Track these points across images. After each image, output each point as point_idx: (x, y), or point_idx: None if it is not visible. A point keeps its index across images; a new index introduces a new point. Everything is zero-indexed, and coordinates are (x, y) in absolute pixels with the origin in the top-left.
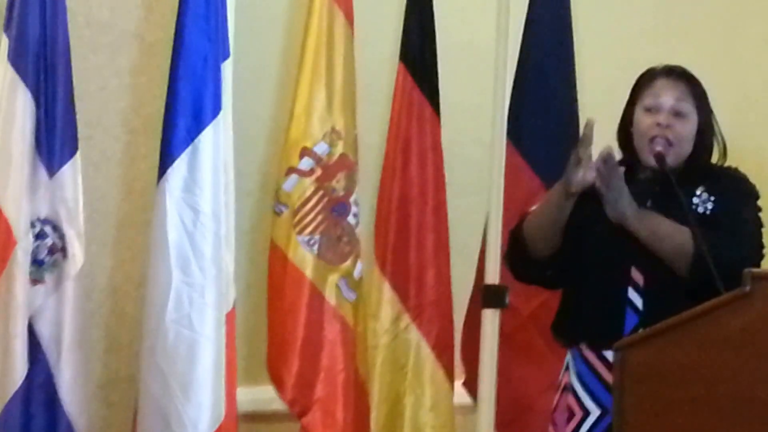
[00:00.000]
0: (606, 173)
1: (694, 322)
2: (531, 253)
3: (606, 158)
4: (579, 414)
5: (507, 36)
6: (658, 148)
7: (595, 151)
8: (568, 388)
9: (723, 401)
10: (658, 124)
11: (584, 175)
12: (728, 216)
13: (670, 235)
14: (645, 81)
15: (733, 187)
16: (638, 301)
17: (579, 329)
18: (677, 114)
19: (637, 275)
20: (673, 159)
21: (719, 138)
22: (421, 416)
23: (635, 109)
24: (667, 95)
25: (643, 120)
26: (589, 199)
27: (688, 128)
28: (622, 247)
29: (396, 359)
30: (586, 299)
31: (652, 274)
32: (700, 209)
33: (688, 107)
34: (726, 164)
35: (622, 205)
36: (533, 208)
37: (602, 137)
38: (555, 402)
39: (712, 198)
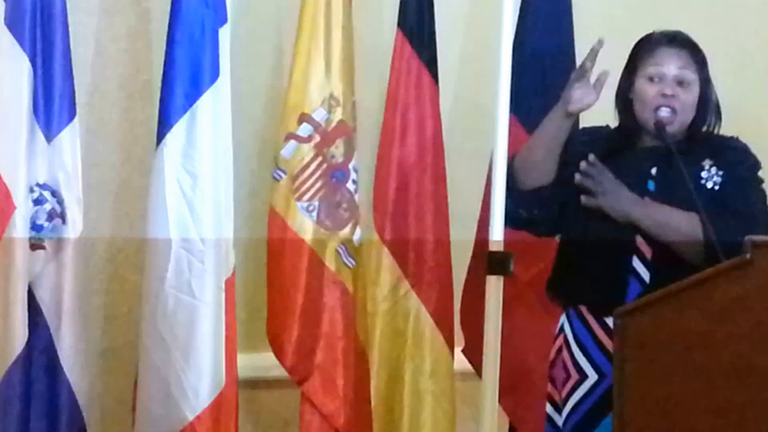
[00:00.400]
0: (595, 176)
1: (695, 289)
2: (520, 183)
3: (592, 162)
4: (575, 377)
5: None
6: (662, 115)
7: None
8: (563, 348)
9: (723, 368)
10: (663, 94)
11: (583, 94)
12: (738, 197)
13: (677, 225)
14: (645, 49)
15: (739, 161)
16: (644, 273)
17: (579, 291)
18: (680, 82)
19: (644, 246)
20: (677, 128)
21: (716, 105)
22: (421, 382)
23: (636, 77)
24: (670, 64)
25: (646, 89)
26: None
27: (691, 96)
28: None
29: (395, 325)
30: (588, 261)
31: (660, 247)
32: (709, 184)
33: (691, 75)
34: (720, 131)
35: (624, 203)
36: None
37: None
38: (552, 357)
39: (720, 173)
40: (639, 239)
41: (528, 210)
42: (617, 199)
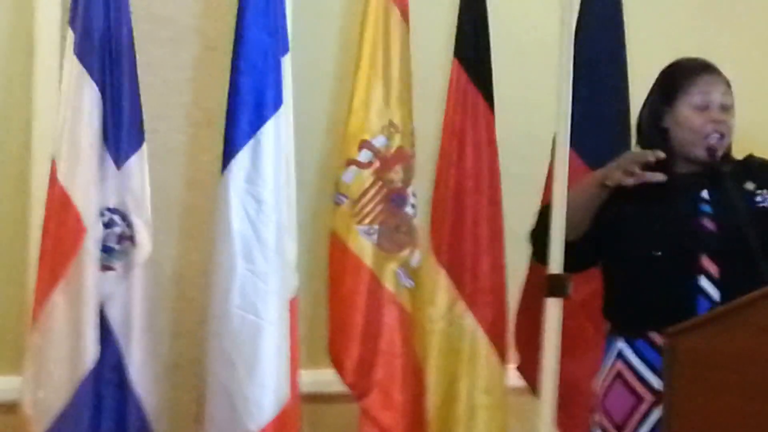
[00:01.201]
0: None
1: (743, 310)
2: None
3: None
4: (650, 398)
5: (571, 32)
6: (713, 142)
7: None
8: (624, 377)
9: None
10: (715, 121)
11: (622, 177)
12: None
13: None
14: (684, 78)
15: None
16: (713, 291)
17: (648, 318)
18: (724, 108)
19: (709, 264)
20: (722, 151)
21: None
22: (475, 397)
23: (677, 105)
24: (716, 91)
25: (694, 118)
26: (633, 198)
27: (733, 120)
28: (690, 236)
29: (451, 344)
30: (655, 289)
31: (726, 264)
32: (761, 205)
33: (732, 100)
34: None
35: None
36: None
37: None
38: (604, 390)
39: (765, 191)
40: (704, 258)
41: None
42: None
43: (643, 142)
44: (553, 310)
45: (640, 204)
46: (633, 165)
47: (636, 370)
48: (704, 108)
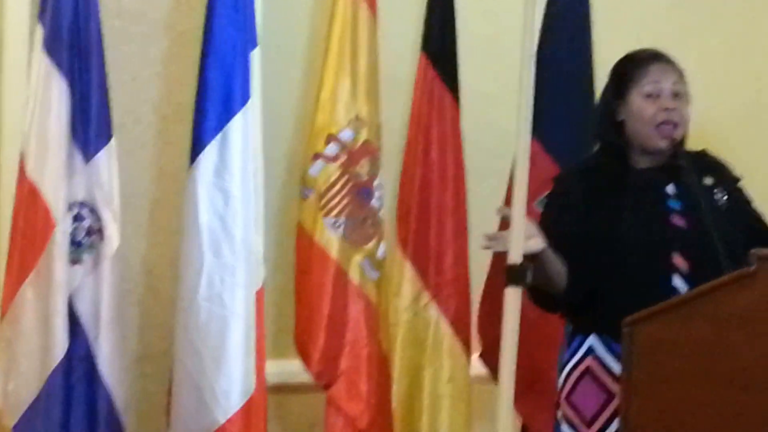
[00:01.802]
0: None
1: (702, 299)
2: (546, 294)
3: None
4: None
5: (534, 27)
6: (667, 132)
7: None
8: (595, 374)
9: (727, 375)
10: (665, 109)
11: (503, 246)
12: (746, 215)
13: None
14: (634, 68)
15: (734, 179)
16: (685, 289)
17: (622, 317)
18: (676, 95)
19: (681, 262)
20: (678, 136)
21: None
22: (439, 387)
23: (629, 97)
24: (666, 79)
25: (646, 107)
26: (600, 194)
27: (687, 108)
28: (663, 234)
29: (416, 334)
30: (629, 289)
31: (695, 259)
32: (720, 203)
33: (684, 88)
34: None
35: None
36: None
37: None
38: (571, 385)
39: (723, 190)
40: (676, 255)
41: (563, 303)
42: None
43: (600, 137)
44: (512, 298)
45: (609, 203)
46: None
47: (608, 367)
48: (655, 96)
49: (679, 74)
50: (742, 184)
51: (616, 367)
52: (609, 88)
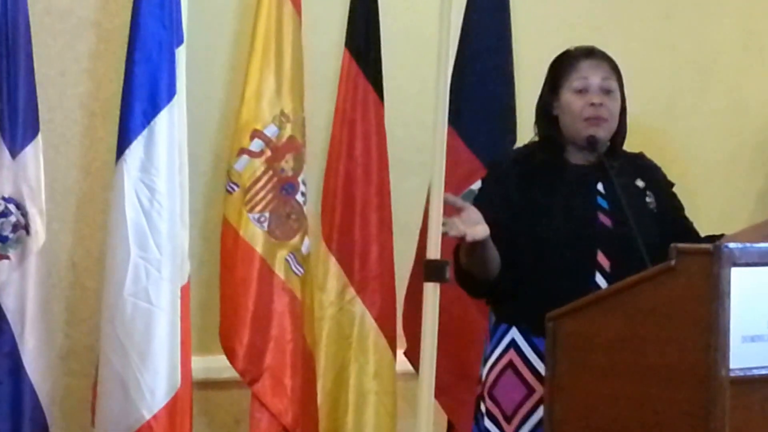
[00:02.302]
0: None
1: (623, 294)
2: (479, 280)
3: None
4: (541, 390)
5: (449, 22)
6: (592, 131)
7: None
8: (517, 367)
9: (646, 368)
10: (592, 104)
11: (458, 230)
12: (679, 222)
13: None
14: (566, 64)
15: (667, 183)
16: (606, 287)
17: (543, 311)
18: (606, 91)
19: (603, 260)
20: (605, 134)
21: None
22: (365, 383)
23: (561, 92)
24: (594, 75)
25: (574, 102)
26: (533, 186)
27: (616, 105)
28: (588, 231)
29: (341, 330)
30: (553, 283)
31: (617, 258)
32: (651, 205)
33: (614, 85)
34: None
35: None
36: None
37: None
38: (493, 379)
39: (653, 192)
40: (599, 254)
41: (493, 289)
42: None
43: (539, 132)
44: (431, 294)
45: (540, 196)
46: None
47: (529, 362)
48: (584, 91)
49: (611, 70)
50: (674, 190)
51: (535, 361)
52: (546, 83)
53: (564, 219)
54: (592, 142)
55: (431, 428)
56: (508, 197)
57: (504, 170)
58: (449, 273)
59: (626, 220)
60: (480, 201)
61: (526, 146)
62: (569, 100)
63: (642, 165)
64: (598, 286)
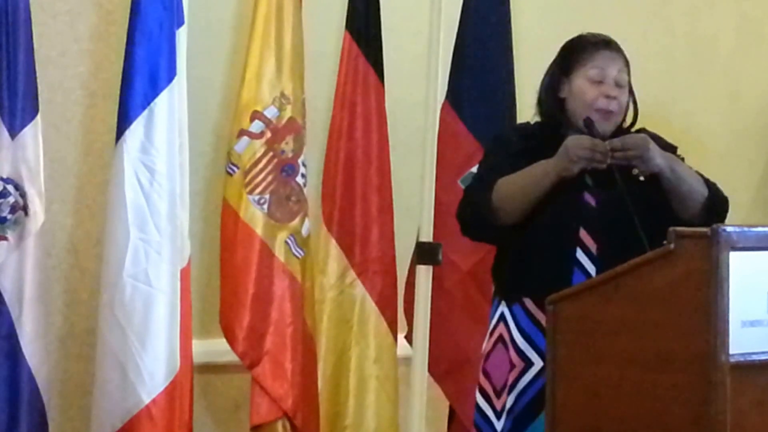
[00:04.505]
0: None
1: (623, 278)
2: (498, 220)
3: (614, 147)
4: (520, 365)
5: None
6: (599, 116)
7: None
8: (505, 342)
9: (646, 352)
10: (607, 96)
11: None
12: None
13: (692, 179)
14: (583, 51)
15: (670, 148)
16: (589, 266)
17: (525, 285)
18: (618, 85)
19: (587, 239)
20: (611, 127)
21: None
22: (366, 367)
23: (573, 77)
24: (611, 67)
25: (589, 90)
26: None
27: (625, 98)
28: (570, 209)
29: (342, 313)
30: (534, 257)
31: (605, 241)
32: (641, 177)
33: (626, 78)
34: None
35: (657, 161)
36: (505, 178)
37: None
38: (486, 353)
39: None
40: (582, 232)
41: (500, 235)
42: (653, 154)
43: (542, 111)
44: (423, 277)
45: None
46: (594, 153)
47: (512, 336)
48: (598, 82)
49: (624, 63)
50: (679, 152)
51: (516, 335)
52: (556, 65)
53: (548, 198)
54: (588, 125)
55: (424, 409)
56: (510, 164)
57: (507, 139)
58: (441, 255)
59: (612, 200)
60: (485, 161)
61: (526, 125)
62: (583, 87)
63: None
64: (579, 264)
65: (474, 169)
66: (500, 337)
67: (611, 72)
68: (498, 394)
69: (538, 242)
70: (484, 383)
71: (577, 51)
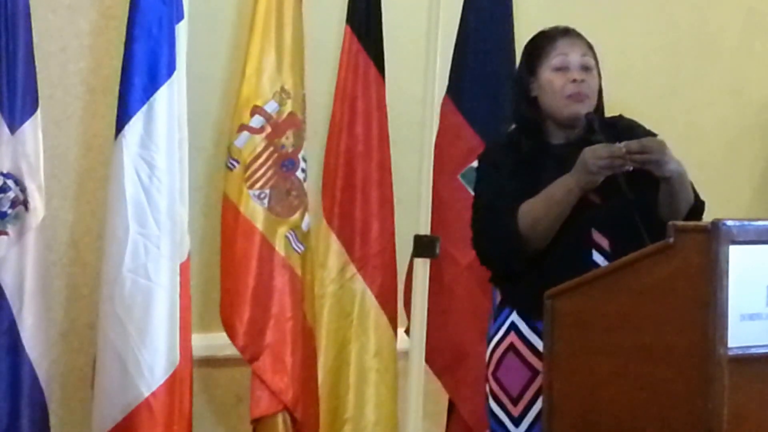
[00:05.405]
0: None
1: (621, 272)
2: (529, 248)
3: (632, 150)
4: None
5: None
6: (584, 111)
7: None
8: (518, 350)
9: (644, 346)
10: (573, 80)
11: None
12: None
13: (688, 186)
14: (544, 43)
15: (646, 134)
16: (604, 265)
17: (543, 294)
18: (585, 68)
19: (600, 238)
20: (587, 110)
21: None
22: (366, 361)
23: (539, 72)
24: (573, 52)
25: (555, 80)
26: (523, 175)
27: (595, 82)
28: (581, 210)
29: (342, 307)
30: (548, 265)
31: (616, 237)
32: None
33: (592, 61)
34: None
35: (671, 166)
36: (526, 205)
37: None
38: (495, 360)
39: None
40: (594, 232)
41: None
42: (668, 158)
43: (515, 115)
44: (420, 270)
45: (527, 180)
46: (614, 159)
47: (531, 344)
48: (564, 69)
49: (587, 47)
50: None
51: (537, 344)
52: (522, 65)
53: None
54: (576, 120)
55: (421, 401)
56: (503, 184)
57: (495, 156)
58: (438, 249)
59: (614, 194)
60: (482, 182)
61: (507, 136)
62: (549, 78)
63: (622, 127)
64: (596, 265)
65: (475, 164)
66: (511, 346)
67: (574, 57)
68: (514, 402)
69: (553, 250)
70: (497, 390)
71: (538, 47)
